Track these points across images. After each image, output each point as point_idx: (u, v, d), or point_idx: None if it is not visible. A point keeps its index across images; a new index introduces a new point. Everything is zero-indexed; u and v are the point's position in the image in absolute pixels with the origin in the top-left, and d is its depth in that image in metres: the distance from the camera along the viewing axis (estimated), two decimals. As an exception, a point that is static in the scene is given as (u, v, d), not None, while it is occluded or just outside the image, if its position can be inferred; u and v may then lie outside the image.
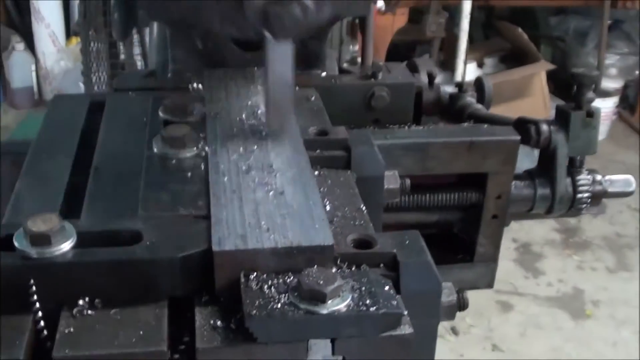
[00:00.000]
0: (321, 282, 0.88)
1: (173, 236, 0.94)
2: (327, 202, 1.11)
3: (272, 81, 1.16)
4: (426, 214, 1.64)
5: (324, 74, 1.67)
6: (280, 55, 1.14)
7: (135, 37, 2.51)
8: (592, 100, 1.52)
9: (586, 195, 1.59)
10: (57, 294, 0.90)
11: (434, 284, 0.98)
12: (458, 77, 5.65)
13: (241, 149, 1.17)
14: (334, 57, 1.92)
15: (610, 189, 1.62)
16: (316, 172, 1.19)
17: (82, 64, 2.55)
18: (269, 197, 1.03)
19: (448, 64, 5.75)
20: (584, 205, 1.62)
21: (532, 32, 6.21)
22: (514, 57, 5.91)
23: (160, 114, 1.29)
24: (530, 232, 5.38)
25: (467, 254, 1.66)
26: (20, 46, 5.54)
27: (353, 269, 0.96)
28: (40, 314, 0.90)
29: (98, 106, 1.40)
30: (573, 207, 1.62)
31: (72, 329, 0.88)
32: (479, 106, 1.75)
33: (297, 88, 1.47)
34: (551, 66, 5.73)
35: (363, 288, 0.91)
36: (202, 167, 1.15)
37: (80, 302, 0.91)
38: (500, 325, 4.44)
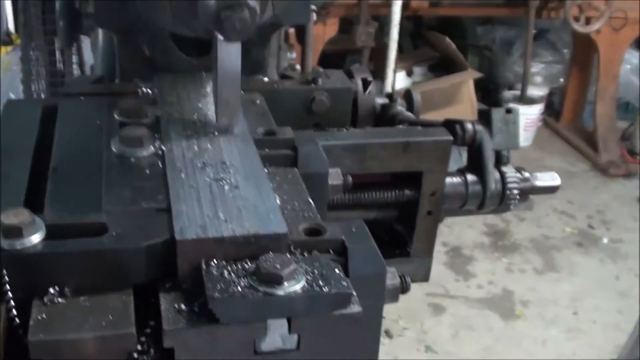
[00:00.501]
0: (278, 266, 0.97)
1: (137, 227, 1.01)
2: (277, 197, 1.18)
3: (222, 79, 1.25)
4: (366, 212, 1.75)
5: (266, 79, 1.76)
6: (230, 55, 1.23)
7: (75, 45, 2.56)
8: (509, 100, 1.67)
9: (515, 190, 1.73)
10: (28, 283, 0.97)
11: (379, 267, 1.08)
12: (388, 86, 5.81)
13: (195, 147, 1.24)
14: (274, 65, 2.02)
15: (536, 183, 1.75)
16: (266, 170, 1.26)
17: (21, 71, 2.58)
18: (224, 191, 1.10)
19: (378, 72, 5.90)
20: (513, 201, 1.75)
21: (459, 41, 6.43)
22: (443, 66, 6.12)
23: (116, 116, 1.36)
24: (461, 236, 5.57)
25: (404, 249, 1.76)
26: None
27: (305, 254, 1.04)
28: (12, 303, 0.96)
29: (50, 110, 1.45)
30: (503, 202, 1.75)
31: (44, 316, 0.95)
32: (409, 113, 1.87)
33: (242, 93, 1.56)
34: (478, 74, 5.95)
35: (315, 271, 1.00)
36: (160, 164, 1.21)
37: (51, 290, 0.98)
38: (433, 327, 4.59)
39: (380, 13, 5.71)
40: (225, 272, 0.98)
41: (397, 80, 6.00)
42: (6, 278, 0.96)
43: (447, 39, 6.18)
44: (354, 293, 1.01)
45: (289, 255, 1.01)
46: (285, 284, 0.97)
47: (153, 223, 1.03)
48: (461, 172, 1.75)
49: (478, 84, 6.22)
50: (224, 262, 1.00)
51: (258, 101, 1.56)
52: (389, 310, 5.11)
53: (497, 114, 1.70)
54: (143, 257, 0.99)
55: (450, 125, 1.71)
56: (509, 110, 1.71)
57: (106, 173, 1.19)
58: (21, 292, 0.96)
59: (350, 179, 1.42)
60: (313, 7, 1.84)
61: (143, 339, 1.00)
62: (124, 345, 0.95)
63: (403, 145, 1.62)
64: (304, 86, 1.72)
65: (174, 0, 1.31)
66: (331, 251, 1.06)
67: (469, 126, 1.69)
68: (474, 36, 6.63)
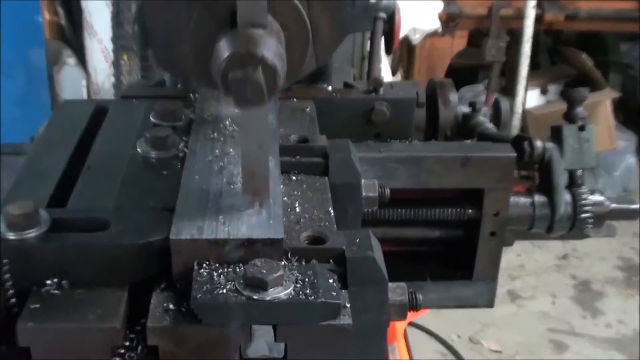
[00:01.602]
0: (264, 271, 0.98)
1: (138, 225, 1.06)
2: (297, 205, 1.20)
3: (246, 149, 1.09)
4: (425, 229, 1.75)
5: (329, 88, 1.77)
6: (254, 120, 1.05)
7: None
8: (584, 116, 1.61)
9: (587, 213, 1.66)
10: (27, 274, 1.04)
11: (379, 279, 1.07)
12: (519, 104, 5.69)
13: (217, 151, 1.27)
14: (350, 73, 2.04)
15: (613, 207, 1.69)
16: (294, 177, 1.29)
17: (113, 76, 2.71)
18: (232, 194, 1.13)
19: (509, 89, 5.80)
20: (587, 225, 1.69)
21: (600, 58, 6.20)
22: (580, 84, 5.91)
23: (151, 118, 1.42)
24: (591, 268, 5.36)
25: (467, 272, 1.73)
26: (71, 61, 5.76)
27: (303, 263, 1.05)
28: (12, 291, 1.03)
29: (102, 111, 1.54)
30: (575, 226, 1.69)
31: (38, 305, 1.02)
32: (490, 125, 1.85)
33: (294, 100, 1.61)
34: (616, 94, 5.72)
35: (306, 279, 1.01)
36: (179, 166, 1.25)
37: (48, 282, 1.04)
38: (553, 367, 4.43)
39: (512, 26, 5.61)
40: (215, 275, 1.01)
41: (531, 98, 5.87)
42: (7, 267, 1.02)
43: (584, 55, 5.98)
44: (346, 304, 1.02)
45: (283, 262, 1.03)
46: (271, 289, 0.99)
47: (155, 222, 1.07)
48: (529, 191, 1.71)
49: (620, 104, 5.97)
50: (217, 265, 1.03)
51: (308, 109, 1.58)
52: (507, 344, 4.97)
53: (569, 130, 1.65)
54: (138, 255, 1.03)
55: (518, 141, 1.67)
56: (582, 128, 1.65)
57: (126, 172, 1.25)
58: (21, 282, 1.03)
59: (387, 191, 1.41)
60: (382, 15, 1.86)
61: (132, 335, 1.04)
62: (107, 339, 1.00)
63: (462, 160, 1.61)
64: (363, 95, 1.72)
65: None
66: (331, 261, 1.07)
67: (538, 143, 1.65)
68: (616, 53, 6.37)
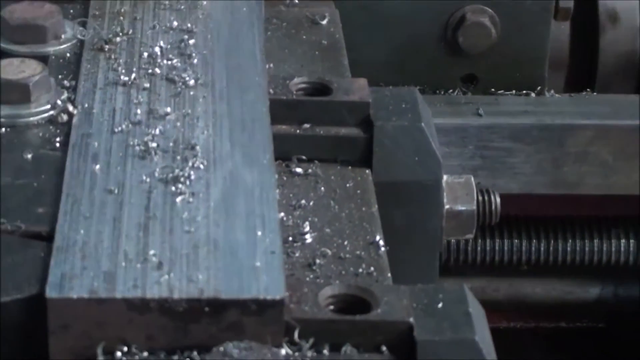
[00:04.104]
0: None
1: None
2: (308, 228, 0.90)
3: None
4: (578, 285, 1.33)
5: None
6: None
7: None
8: None
9: None
10: None
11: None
12: None
13: (139, 110, 0.95)
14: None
15: None
16: (299, 170, 0.99)
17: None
18: (175, 205, 0.83)
19: None
20: None
21: None
22: None
23: None
24: None
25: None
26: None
27: (325, 351, 0.73)
28: None
29: None
30: None
31: None
32: None
33: (296, 1, 1.28)
34: None
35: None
36: (58, 143, 0.94)
37: None
38: None
39: None
40: (144, 378, 0.74)
41: None
42: None
43: None
44: None
45: (283, 351, 0.71)
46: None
47: (13, 261, 0.79)
48: None
49: None
50: (145, 354, 0.71)
51: (325, 20, 1.23)
52: None
53: None
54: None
55: None
56: None
57: None
58: None
59: (497, 200, 1.08)
60: None
61: None
62: None
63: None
64: None
65: None
66: (384, 348, 0.73)
67: None
68: None
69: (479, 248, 1.27)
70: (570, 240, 1.32)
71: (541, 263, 1.32)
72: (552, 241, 1.32)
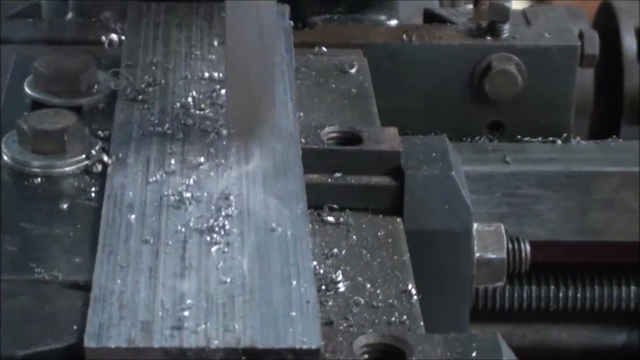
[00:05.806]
0: None
1: (15, 318, 0.79)
2: (341, 277, 0.92)
3: (231, 63, 0.95)
4: (597, 331, 1.36)
5: (393, 23, 1.39)
6: (246, 13, 0.90)
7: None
8: None
9: None
10: None
11: None
12: None
13: (173, 161, 0.96)
14: None
15: None
16: (330, 219, 1.00)
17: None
18: (211, 255, 0.85)
19: None
20: None
21: None
22: None
23: (27, 88, 1.08)
24: None
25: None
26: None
27: None
28: None
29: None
30: None
31: None
32: None
33: (325, 50, 1.28)
34: None
35: None
36: (93, 193, 0.96)
37: None
38: None
39: None
40: None
41: None
42: None
43: None
44: None
45: None
46: None
47: (51, 310, 0.81)
48: None
49: None
50: None
51: (354, 69, 1.23)
52: None
53: None
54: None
55: None
56: None
57: None
58: None
59: (527, 249, 1.09)
60: None
61: None
62: None
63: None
64: (467, 41, 1.32)
65: None
66: None
67: None
68: None
69: (506, 294, 1.26)
70: (597, 287, 1.31)
71: (568, 310, 1.31)
72: (579, 288, 1.31)
